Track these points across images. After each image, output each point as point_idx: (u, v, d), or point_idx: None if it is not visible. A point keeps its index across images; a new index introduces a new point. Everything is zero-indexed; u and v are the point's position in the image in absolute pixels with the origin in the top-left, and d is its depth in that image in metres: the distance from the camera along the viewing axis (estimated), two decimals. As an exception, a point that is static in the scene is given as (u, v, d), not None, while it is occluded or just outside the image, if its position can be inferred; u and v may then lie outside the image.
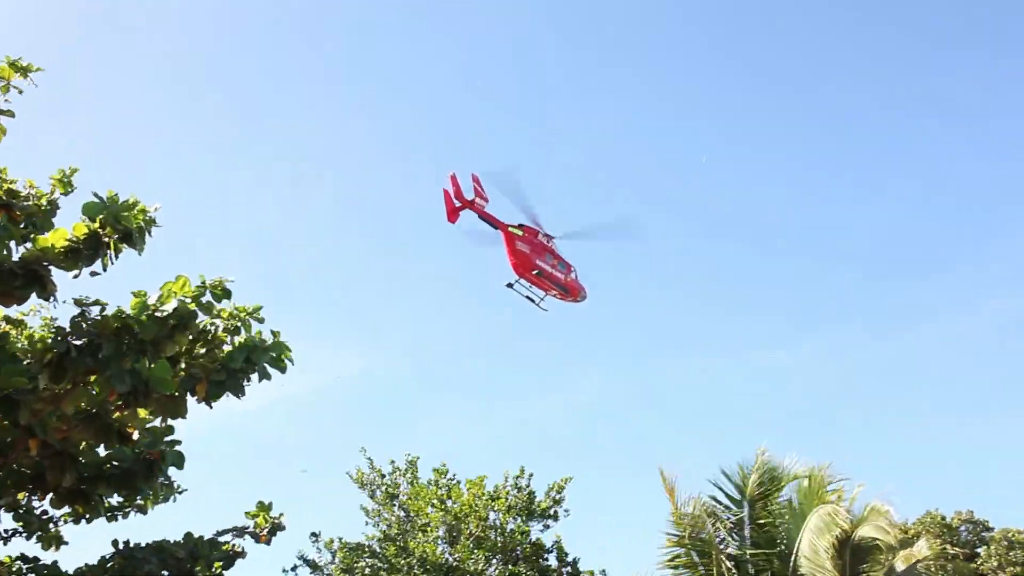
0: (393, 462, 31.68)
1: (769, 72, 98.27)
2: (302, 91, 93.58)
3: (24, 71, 9.25)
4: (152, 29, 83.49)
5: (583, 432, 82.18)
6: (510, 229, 35.95)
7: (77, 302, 8.79)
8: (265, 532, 11.19)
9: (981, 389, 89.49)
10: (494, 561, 28.56)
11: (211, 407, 9.57)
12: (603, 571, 30.54)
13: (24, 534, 10.40)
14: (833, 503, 20.78)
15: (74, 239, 8.78)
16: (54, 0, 73.62)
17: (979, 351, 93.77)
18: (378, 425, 77.03)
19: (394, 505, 30.50)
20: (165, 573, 10.47)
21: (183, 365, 9.38)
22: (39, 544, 10.43)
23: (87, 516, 10.34)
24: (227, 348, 9.40)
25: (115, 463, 9.76)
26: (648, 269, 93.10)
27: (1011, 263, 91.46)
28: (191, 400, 9.45)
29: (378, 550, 29.02)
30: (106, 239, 8.81)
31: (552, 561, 30.00)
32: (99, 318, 8.83)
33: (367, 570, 28.43)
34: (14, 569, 10.20)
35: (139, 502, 10.63)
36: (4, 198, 9.08)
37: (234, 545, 10.99)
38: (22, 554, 10.31)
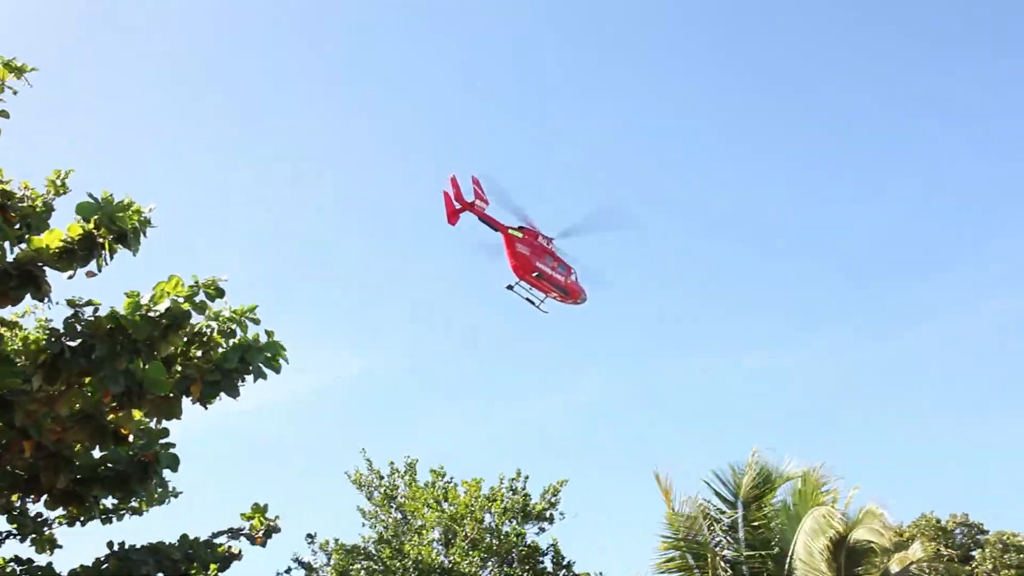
0: (392, 463, 31.48)
1: (769, 72, 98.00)
2: (301, 91, 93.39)
3: (19, 71, 9.14)
4: (151, 29, 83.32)
5: (582, 433, 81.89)
6: (510, 231, 35.88)
7: (70, 303, 8.66)
8: (260, 534, 11.08)
9: (977, 390, 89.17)
10: (490, 564, 28.31)
11: (206, 408, 9.45)
12: (600, 573, 30.35)
13: (18, 536, 10.30)
14: (827, 505, 20.65)
15: (69, 240, 8.66)
16: (53, 0, 73.52)
17: (976, 352, 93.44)
18: (376, 426, 76.79)
19: (391, 507, 30.24)
20: (160, 575, 10.36)
21: (178, 367, 9.24)
22: (33, 547, 10.32)
23: (81, 518, 10.23)
24: (222, 350, 9.26)
25: (109, 465, 9.63)
26: (647, 269, 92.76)
27: (1011, 263, 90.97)
28: (186, 401, 9.34)
29: (373, 552, 28.77)
30: (101, 240, 8.69)
31: (548, 564, 29.69)
32: (92, 319, 8.70)
33: (362, 573, 28.18)
34: (8, 571, 10.08)
35: (134, 504, 10.51)
36: (-1, 199, 8.98)
37: (230, 547, 10.87)
38: (16, 556, 10.20)
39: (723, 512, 21.27)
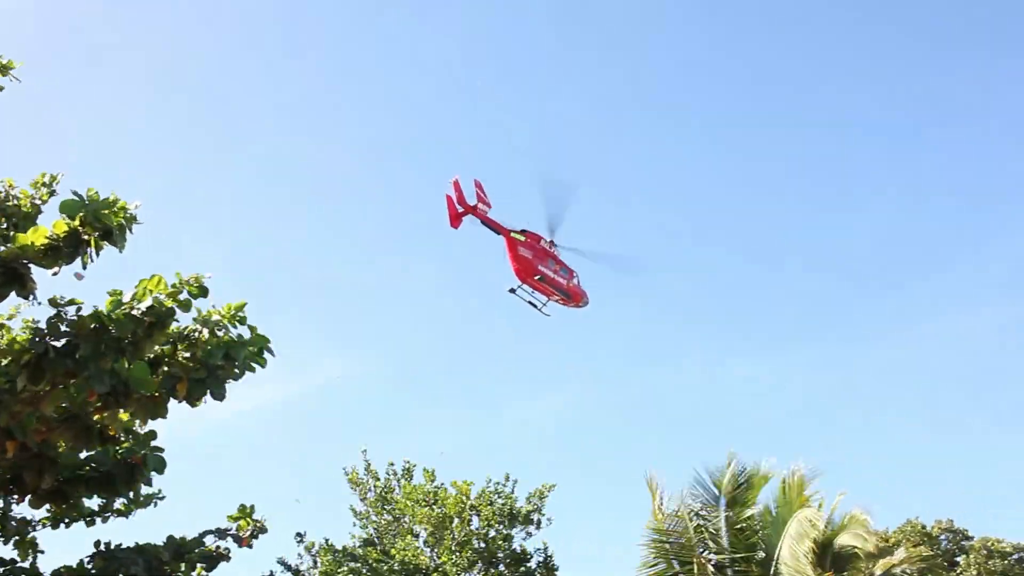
0: (392, 464, 30.97)
1: (768, 72, 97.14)
2: (291, 95, 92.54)
3: (4, 69, 8.93)
4: (141, 29, 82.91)
5: (572, 440, 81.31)
6: (512, 234, 35.68)
7: (52, 302, 8.43)
8: (247, 535, 10.85)
9: (965, 396, 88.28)
10: (477, 566, 27.90)
11: (194, 406, 9.22)
12: (583, 579, 30.07)
13: (1, 538, 10.08)
14: (811, 507, 20.45)
15: (54, 237, 8.42)
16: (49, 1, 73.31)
17: (965, 358, 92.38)
18: (366, 429, 76.11)
19: (384, 510, 29.83)
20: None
21: (165, 367, 9.04)
22: (16, 550, 10.12)
23: (65, 520, 10.04)
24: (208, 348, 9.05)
25: (94, 465, 9.42)
26: (646, 269, 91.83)
27: (1009, 266, 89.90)
28: (174, 404, 9.14)
29: (360, 554, 28.33)
30: (86, 237, 8.46)
31: (534, 567, 29.14)
32: (76, 318, 8.47)
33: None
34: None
35: (118, 507, 10.32)
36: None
37: (218, 546, 10.66)
38: (-1, 557, 10.01)
39: (707, 518, 21.03)
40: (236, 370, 9.08)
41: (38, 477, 8.98)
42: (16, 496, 9.54)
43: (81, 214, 8.38)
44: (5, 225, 8.75)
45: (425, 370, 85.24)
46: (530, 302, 36.82)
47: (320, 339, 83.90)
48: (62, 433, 8.91)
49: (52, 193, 9.28)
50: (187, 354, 8.99)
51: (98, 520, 10.36)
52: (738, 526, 20.68)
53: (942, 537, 46.30)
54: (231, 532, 10.78)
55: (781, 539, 19.88)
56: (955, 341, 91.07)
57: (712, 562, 20.22)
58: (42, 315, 8.66)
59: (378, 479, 30.48)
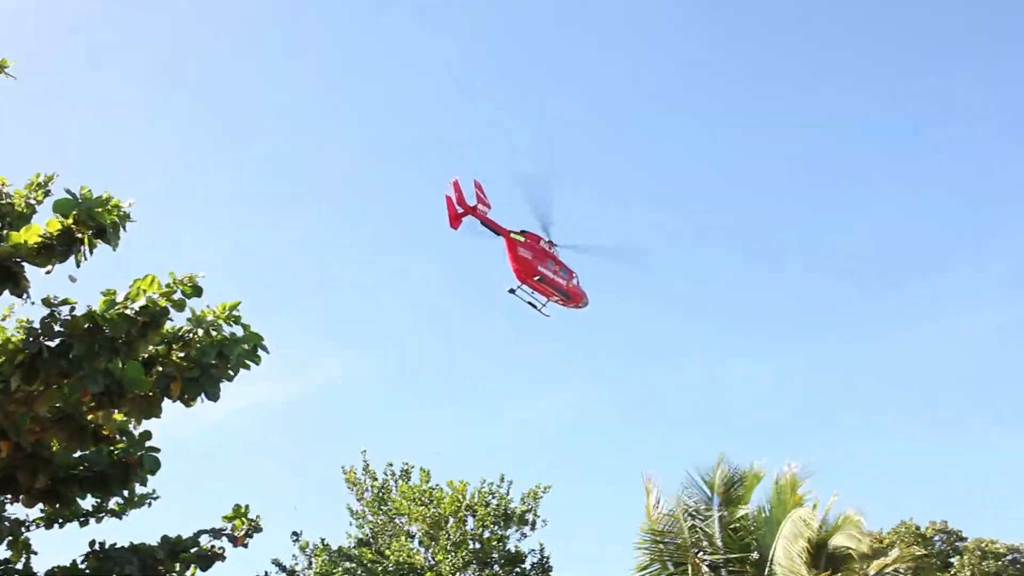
0: (391, 465, 30.74)
1: (768, 72, 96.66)
2: (291, 95, 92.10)
3: (-1, 67, 8.83)
4: (147, 28, 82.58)
5: (572, 440, 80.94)
6: (512, 235, 35.55)
7: (46, 302, 8.31)
8: (242, 534, 10.71)
9: (962, 398, 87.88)
10: (472, 566, 27.65)
11: (189, 406, 9.09)
12: (579, 580, 29.90)
13: (-6, 537, 9.96)
14: (805, 507, 20.33)
15: (47, 235, 8.30)
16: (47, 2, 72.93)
17: (962, 360, 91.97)
18: (367, 429, 75.66)
19: (380, 510, 29.59)
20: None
21: (159, 367, 8.92)
22: (9, 551, 9.99)
23: (59, 520, 9.91)
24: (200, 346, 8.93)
25: (88, 465, 9.28)
26: (645, 270, 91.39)
27: (1009, 266, 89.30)
28: (172, 403, 9.02)
29: (355, 554, 28.07)
30: (80, 235, 8.35)
31: (529, 568, 28.90)
32: (69, 318, 8.34)
33: (344, 576, 27.49)
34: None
35: (112, 507, 10.20)
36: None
37: (213, 546, 10.53)
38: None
39: (701, 517, 20.90)
40: (230, 369, 8.97)
41: (32, 477, 8.83)
42: (9, 496, 9.41)
43: (74, 212, 8.26)
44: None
45: (425, 370, 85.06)
46: (530, 303, 36.72)
47: (320, 339, 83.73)
48: (56, 433, 8.78)
49: (47, 193, 9.17)
50: (181, 354, 8.88)
51: (92, 520, 10.22)
52: (732, 526, 20.56)
53: (936, 538, 46.14)
54: (226, 532, 10.65)
55: (775, 539, 19.76)
56: (955, 341, 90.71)
57: (707, 563, 20.09)
58: (36, 315, 8.59)
59: (375, 479, 30.28)
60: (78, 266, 8.52)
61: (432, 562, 27.38)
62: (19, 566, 9.89)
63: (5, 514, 9.89)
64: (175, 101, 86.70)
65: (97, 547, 9.93)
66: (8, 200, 8.76)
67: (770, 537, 19.84)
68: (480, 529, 28.25)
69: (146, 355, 8.69)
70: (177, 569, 10.18)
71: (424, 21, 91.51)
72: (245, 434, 74.63)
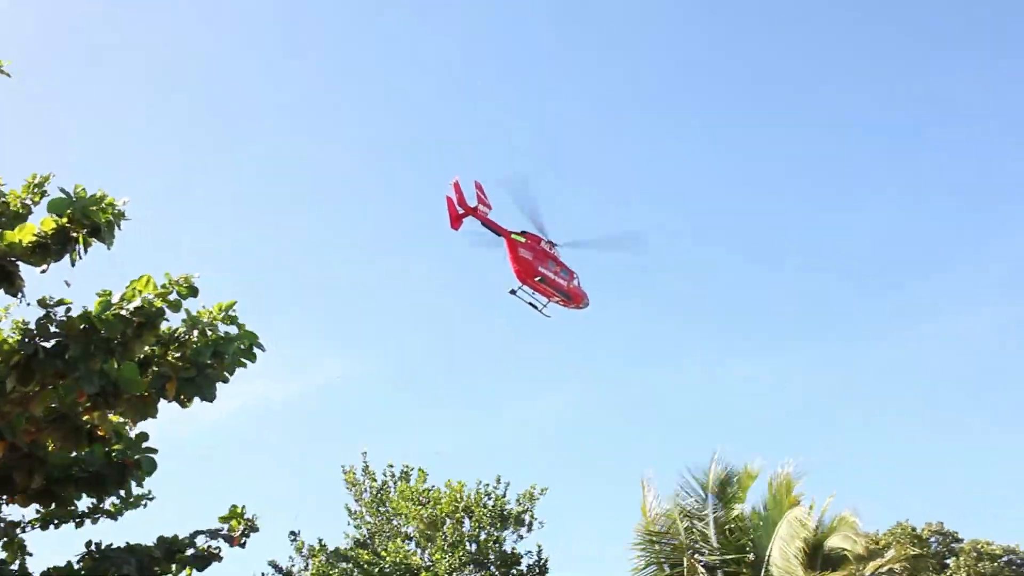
0: (391, 466, 30.43)
1: (769, 72, 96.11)
2: (291, 95, 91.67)
3: (-7, 67, 8.70)
4: (147, 28, 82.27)
5: (572, 440, 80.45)
6: (513, 236, 35.34)
7: (42, 303, 8.20)
8: (238, 535, 10.59)
9: (962, 398, 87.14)
10: (469, 567, 27.39)
11: (185, 407, 8.96)
12: (576, 580, 29.57)
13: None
14: (800, 507, 20.19)
15: (42, 234, 8.20)
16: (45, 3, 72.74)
17: (962, 360, 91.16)
18: (367, 429, 74.99)
19: (378, 512, 29.31)
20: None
21: (155, 367, 8.80)
22: (4, 552, 9.88)
23: (55, 521, 9.80)
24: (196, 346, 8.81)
25: (83, 465, 9.15)
26: (644, 271, 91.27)
27: (1009, 266, 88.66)
28: (168, 403, 8.89)
29: (352, 555, 27.75)
30: (74, 234, 8.25)
31: (525, 570, 28.50)
32: (65, 319, 8.24)
33: (342, 578, 27.22)
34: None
35: (108, 508, 10.08)
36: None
37: (209, 546, 10.41)
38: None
39: (697, 517, 20.75)
40: (226, 370, 8.85)
41: (27, 477, 8.71)
42: (5, 497, 9.29)
43: (69, 211, 8.18)
44: (-7, 223, 8.52)
45: (425, 370, 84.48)
46: (531, 303, 36.49)
47: (320, 339, 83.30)
48: (51, 433, 8.65)
49: (44, 194, 9.04)
50: (177, 354, 8.77)
51: (87, 522, 10.10)
52: (728, 527, 20.41)
53: (932, 539, 45.93)
54: (223, 533, 10.53)
55: (771, 540, 19.62)
56: (955, 341, 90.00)
57: (703, 564, 19.95)
58: (32, 315, 8.48)
59: (375, 480, 30.02)
60: (73, 265, 8.42)
61: (429, 562, 27.12)
62: (14, 567, 9.77)
63: (1, 515, 9.78)
64: (175, 101, 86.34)
65: (93, 548, 9.82)
66: (3, 200, 8.65)
67: (766, 538, 19.71)
68: (477, 531, 28.00)
69: (142, 356, 8.57)
70: (173, 570, 10.06)
71: (424, 21, 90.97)
72: (245, 434, 74.29)
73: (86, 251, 8.41)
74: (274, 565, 27.93)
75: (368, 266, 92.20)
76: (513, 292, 36.20)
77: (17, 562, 9.87)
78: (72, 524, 10.04)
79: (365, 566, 26.76)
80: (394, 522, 28.89)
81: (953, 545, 45.59)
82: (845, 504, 21.22)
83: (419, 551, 27.89)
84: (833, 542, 20.20)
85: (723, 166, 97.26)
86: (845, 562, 20.39)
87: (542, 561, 28.66)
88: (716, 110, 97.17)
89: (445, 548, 27.05)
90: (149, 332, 8.37)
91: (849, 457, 73.88)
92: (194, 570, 10.24)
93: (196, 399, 8.87)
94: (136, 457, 9.23)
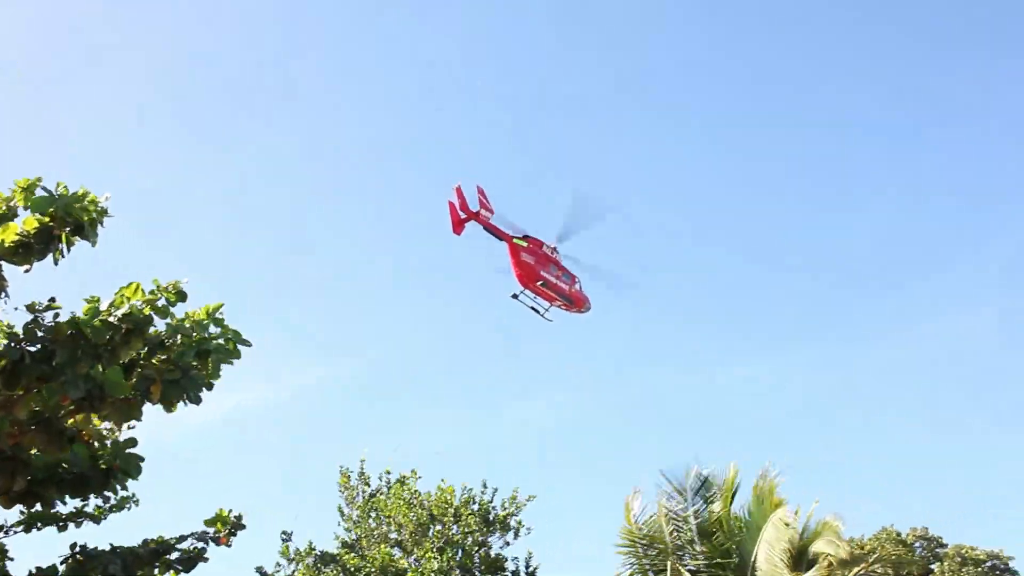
0: (388, 472, 29.60)
1: (769, 72, 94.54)
2: (293, 95, 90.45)
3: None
4: (147, 28, 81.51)
5: (572, 440, 79.21)
6: (515, 241, 35.09)
7: (30, 308, 7.99)
8: (224, 534, 10.37)
9: (962, 398, 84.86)
10: (456, 573, 26.91)
11: (169, 411, 8.65)
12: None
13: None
14: (784, 508, 19.88)
15: (25, 234, 7.96)
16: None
17: (963, 360, 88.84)
18: (366, 429, 73.47)
19: (370, 516, 28.67)
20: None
21: (139, 369, 8.56)
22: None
23: (39, 524, 9.60)
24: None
25: (67, 467, 8.89)
26: (643, 272, 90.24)
27: (1009, 266, 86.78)
28: (155, 410, 8.66)
29: (339, 555, 27.15)
30: (57, 232, 8.02)
31: (510, 575, 27.84)
32: (53, 324, 8.03)
33: (330, 580, 26.68)
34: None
35: (91, 511, 9.88)
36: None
37: (195, 547, 10.20)
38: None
39: (681, 520, 20.44)
40: (211, 370, 8.59)
41: (10, 479, 8.46)
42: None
43: (51, 210, 7.94)
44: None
45: (425, 370, 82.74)
46: (532, 307, 36.22)
47: (317, 340, 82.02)
48: (34, 436, 8.39)
49: (32, 196, 8.81)
50: (163, 357, 8.54)
51: (71, 525, 9.88)
52: (712, 531, 20.11)
53: (916, 545, 45.51)
54: (210, 535, 10.33)
55: (757, 543, 19.33)
56: (955, 341, 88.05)
57: (688, 568, 19.65)
58: (18, 319, 8.25)
59: (368, 484, 29.38)
60: (56, 264, 8.21)
61: (416, 563, 26.59)
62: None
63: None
64: (175, 101, 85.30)
65: (78, 550, 9.60)
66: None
67: (751, 541, 19.41)
68: (464, 536, 27.47)
69: (126, 359, 8.37)
70: (158, 571, 9.87)
71: (424, 21, 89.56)
72: (243, 435, 72.59)
73: (69, 250, 8.17)
74: (261, 572, 27.34)
75: (367, 266, 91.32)
76: (515, 296, 35.96)
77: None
78: (55, 528, 9.81)
79: (352, 569, 26.29)
80: (384, 527, 28.36)
81: (937, 550, 45.18)
82: (829, 509, 20.92)
83: (406, 556, 27.33)
84: (818, 547, 19.90)
85: (723, 166, 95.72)
86: (830, 566, 20.08)
87: (531, 569, 28.14)
88: (716, 110, 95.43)
89: (433, 552, 26.55)
90: (137, 338, 8.16)
91: (849, 457, 72.98)
92: (181, 572, 10.05)
93: (182, 403, 8.65)
94: (119, 461, 9.02)
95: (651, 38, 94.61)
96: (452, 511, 27.73)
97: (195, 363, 8.47)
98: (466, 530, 27.29)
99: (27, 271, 8.14)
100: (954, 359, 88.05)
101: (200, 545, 10.22)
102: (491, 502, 28.40)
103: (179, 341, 8.37)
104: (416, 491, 28.46)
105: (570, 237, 36.25)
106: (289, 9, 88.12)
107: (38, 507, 9.24)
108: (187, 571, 10.12)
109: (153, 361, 8.46)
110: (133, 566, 9.68)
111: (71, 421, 8.56)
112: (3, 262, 8.08)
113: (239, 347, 8.66)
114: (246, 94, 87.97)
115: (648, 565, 19.83)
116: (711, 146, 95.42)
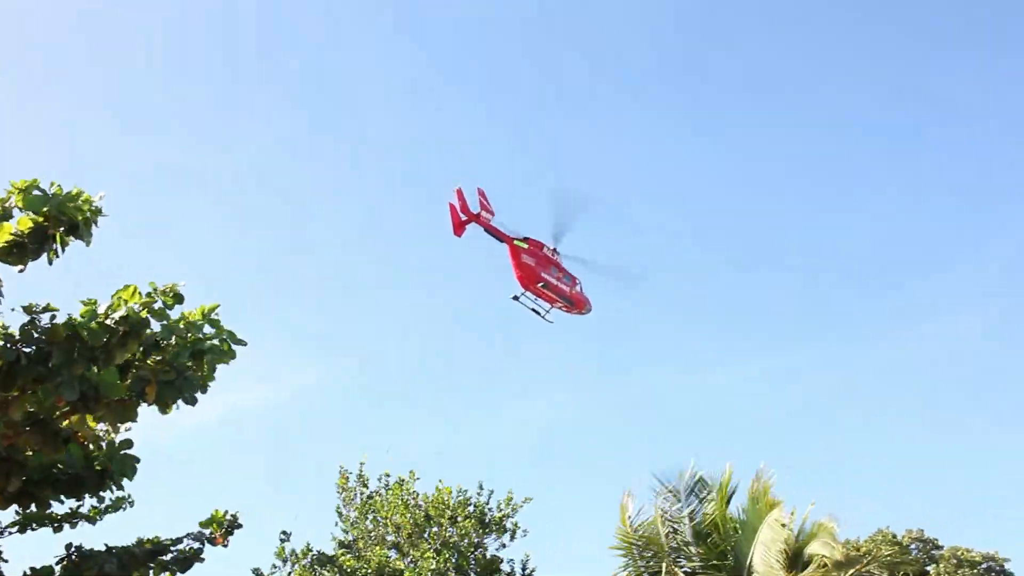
0: (388, 474, 29.17)
1: (769, 72, 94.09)
2: (291, 94, 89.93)
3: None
4: (147, 28, 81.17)
5: (572, 440, 78.64)
6: (516, 242, 34.95)
7: (27, 309, 7.88)
8: (220, 534, 10.23)
9: (962, 398, 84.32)
10: (452, 574, 26.70)
11: (165, 412, 8.51)
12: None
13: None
14: (779, 508, 19.71)
15: (19, 233, 7.84)
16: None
17: (963, 360, 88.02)
18: (365, 430, 72.75)
19: (367, 518, 28.34)
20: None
21: (134, 370, 8.44)
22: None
23: (33, 524, 9.46)
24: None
25: (62, 467, 8.79)
26: (641, 271, 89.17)
27: (1009, 266, 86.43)
28: (148, 406, 8.53)
29: (336, 555, 26.86)
30: (51, 232, 7.89)
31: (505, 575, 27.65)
32: (49, 326, 7.92)
33: (326, 580, 26.42)
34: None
35: (86, 512, 9.75)
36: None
37: (191, 547, 10.07)
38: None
39: (677, 521, 20.27)
40: (206, 370, 8.47)
41: (5, 480, 8.37)
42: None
43: (45, 209, 7.81)
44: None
45: (424, 371, 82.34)
46: (533, 309, 36.10)
47: (316, 340, 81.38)
48: (29, 437, 8.27)
49: (28, 196, 8.67)
50: (158, 358, 8.41)
51: (66, 526, 9.75)
52: (707, 533, 19.93)
53: (912, 546, 45.23)
54: (207, 536, 10.20)
55: (752, 545, 19.16)
56: (955, 341, 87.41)
57: (684, 569, 19.48)
58: (14, 320, 8.10)
59: (366, 486, 29.08)
60: (50, 263, 8.09)
61: (413, 565, 26.34)
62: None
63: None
64: (175, 100, 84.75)
65: (73, 550, 9.47)
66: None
67: (746, 543, 19.24)
68: (461, 536, 27.23)
69: (121, 361, 8.25)
70: (152, 572, 9.73)
71: (424, 21, 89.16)
72: (240, 435, 72.03)
73: (63, 249, 8.07)
74: (257, 573, 27.04)
75: (367, 266, 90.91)
76: (516, 298, 35.84)
77: None
78: (51, 529, 9.67)
79: (348, 571, 26.05)
80: (381, 528, 28.13)
81: (933, 552, 44.92)
82: (827, 510, 20.77)
83: (402, 558, 27.10)
84: (813, 548, 19.74)
85: (723, 166, 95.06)
86: (826, 568, 19.93)
87: (528, 571, 27.92)
88: (716, 110, 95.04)
89: (430, 553, 26.30)
90: (133, 341, 8.03)
91: (847, 457, 72.52)
92: (176, 572, 9.91)
93: (178, 404, 8.52)
94: (113, 461, 8.91)
95: (651, 38, 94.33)
96: (448, 513, 27.49)
97: (190, 364, 8.35)
98: (462, 532, 27.05)
99: (21, 271, 8.03)
100: (954, 359, 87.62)
101: (196, 546, 10.09)
102: (487, 504, 28.17)
103: (174, 342, 8.25)
104: (414, 492, 28.23)
105: (564, 235, 36.08)
106: (289, 8, 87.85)
107: (33, 508, 9.10)
108: (183, 572, 9.97)
109: (148, 362, 8.33)
110: (129, 566, 9.55)
111: (66, 422, 8.46)
112: None
113: (234, 347, 8.52)
114: (245, 94, 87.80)
115: (644, 567, 19.62)
116: (711, 146, 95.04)
